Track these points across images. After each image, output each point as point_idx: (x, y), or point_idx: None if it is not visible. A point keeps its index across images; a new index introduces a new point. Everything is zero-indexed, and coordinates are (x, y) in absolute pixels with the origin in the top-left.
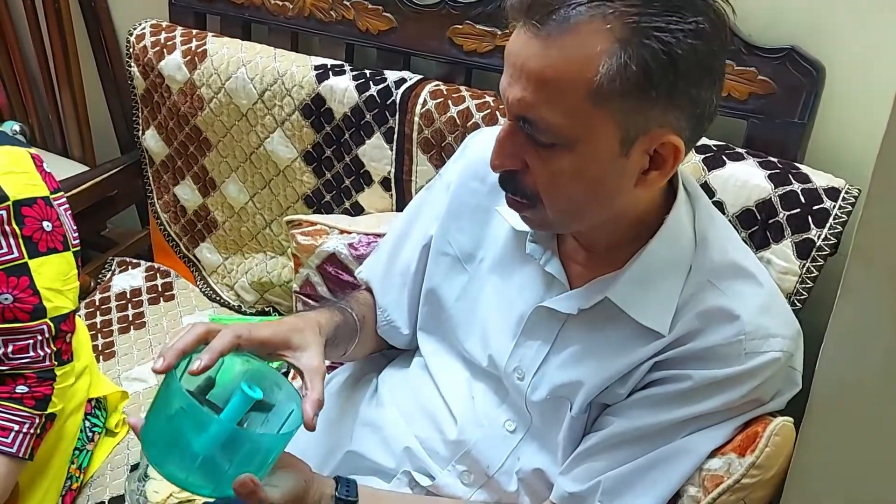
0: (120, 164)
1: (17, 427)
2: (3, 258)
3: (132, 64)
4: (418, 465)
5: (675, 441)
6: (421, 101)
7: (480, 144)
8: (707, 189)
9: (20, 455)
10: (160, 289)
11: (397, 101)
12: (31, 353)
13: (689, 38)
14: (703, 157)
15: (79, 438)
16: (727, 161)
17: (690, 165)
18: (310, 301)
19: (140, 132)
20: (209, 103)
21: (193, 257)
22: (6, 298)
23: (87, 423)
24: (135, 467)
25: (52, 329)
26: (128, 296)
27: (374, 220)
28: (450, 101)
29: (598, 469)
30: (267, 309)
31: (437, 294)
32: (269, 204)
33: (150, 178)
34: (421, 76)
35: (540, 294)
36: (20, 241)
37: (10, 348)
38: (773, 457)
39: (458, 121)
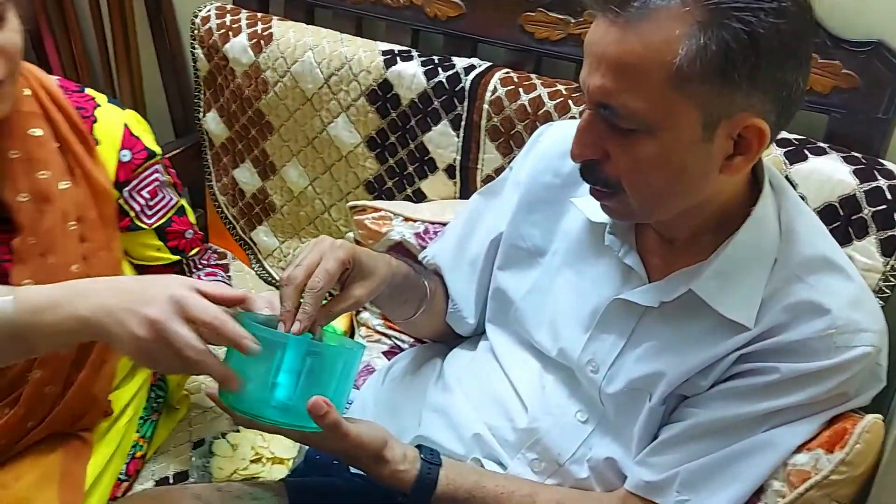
0: (177, 147)
1: (219, 278)
2: (171, 205)
3: (196, 46)
4: (488, 452)
5: (757, 434)
6: (491, 88)
7: (552, 138)
8: (788, 183)
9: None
10: None
11: (466, 87)
12: (215, 262)
13: (770, 17)
14: (784, 150)
15: (144, 408)
16: (809, 155)
17: (771, 158)
18: None
19: (201, 114)
20: (273, 87)
21: (250, 240)
22: (189, 233)
23: (153, 394)
24: (199, 443)
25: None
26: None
27: (438, 207)
28: (521, 89)
29: (677, 460)
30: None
31: (506, 290)
32: (328, 189)
33: (210, 161)
34: (490, 63)
35: (616, 287)
36: (172, 188)
37: (200, 261)
38: (863, 454)
39: (528, 109)
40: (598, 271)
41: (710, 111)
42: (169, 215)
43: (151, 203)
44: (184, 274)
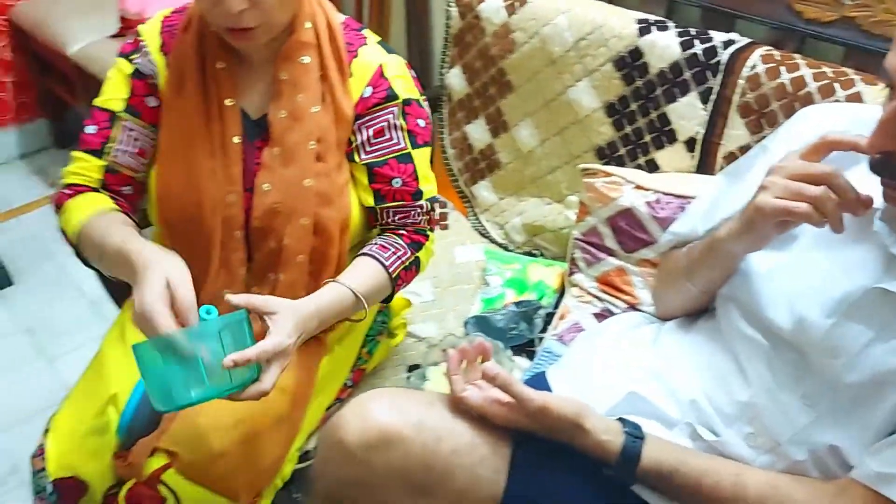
0: None
1: (392, 250)
2: (394, 148)
3: (452, 4)
4: (703, 420)
5: None
6: (750, 64)
7: (817, 121)
8: None
9: (388, 268)
10: (437, 217)
11: (723, 61)
12: (411, 221)
13: None
14: None
15: (371, 328)
16: None
17: None
18: (591, 249)
19: (446, 70)
20: (521, 47)
21: (470, 193)
22: (397, 182)
23: (378, 318)
24: (414, 367)
25: (427, 207)
26: None
27: (671, 179)
28: (783, 68)
29: None
30: (535, 252)
31: (747, 264)
32: (557, 151)
33: (445, 114)
34: (750, 39)
35: (876, 275)
36: (405, 133)
37: (395, 217)
38: None
39: (788, 88)
40: (854, 257)
41: None
42: (386, 157)
43: (373, 141)
44: (374, 222)
